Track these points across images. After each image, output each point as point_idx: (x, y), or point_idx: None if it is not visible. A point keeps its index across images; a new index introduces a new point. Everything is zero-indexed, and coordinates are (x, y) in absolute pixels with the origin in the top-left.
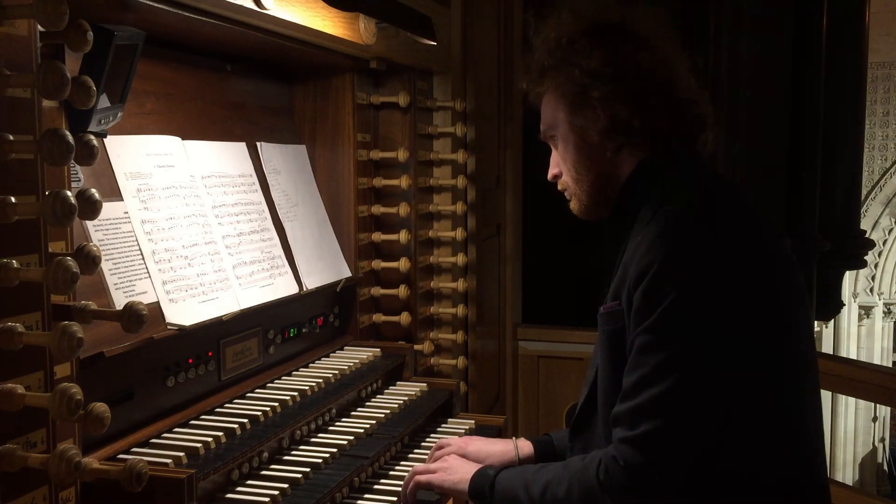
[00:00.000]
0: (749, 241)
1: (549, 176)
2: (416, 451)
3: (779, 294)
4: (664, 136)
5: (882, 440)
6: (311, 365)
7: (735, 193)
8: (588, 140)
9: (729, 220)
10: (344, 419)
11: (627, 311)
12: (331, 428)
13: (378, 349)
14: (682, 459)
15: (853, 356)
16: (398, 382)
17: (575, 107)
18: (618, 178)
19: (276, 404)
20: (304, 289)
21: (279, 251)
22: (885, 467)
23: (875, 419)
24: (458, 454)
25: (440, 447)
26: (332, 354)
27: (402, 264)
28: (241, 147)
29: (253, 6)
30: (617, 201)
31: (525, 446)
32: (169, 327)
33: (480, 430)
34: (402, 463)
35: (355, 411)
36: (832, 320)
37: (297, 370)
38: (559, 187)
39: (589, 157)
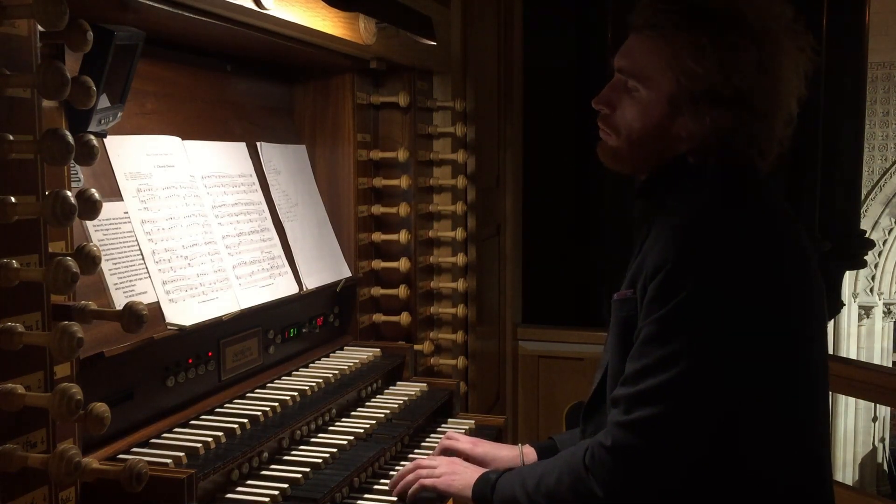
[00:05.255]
0: (772, 244)
1: (596, 105)
2: (416, 451)
3: (797, 300)
4: (743, 154)
5: (882, 440)
6: (311, 365)
7: (764, 195)
8: (673, 131)
9: (753, 222)
10: (344, 419)
11: (641, 300)
12: (331, 428)
13: (378, 349)
14: (672, 451)
15: (853, 356)
16: (398, 382)
17: (693, 103)
18: (670, 158)
19: (276, 404)
20: (304, 289)
21: (279, 251)
22: (885, 467)
23: (875, 419)
24: (468, 453)
25: (450, 438)
26: (332, 354)
27: (402, 264)
28: (241, 147)
29: (253, 6)
30: (649, 180)
31: (530, 452)
32: (169, 327)
33: (480, 430)
34: (402, 463)
35: (355, 411)
36: (832, 320)
37: (297, 370)
38: (599, 121)
39: (660, 137)
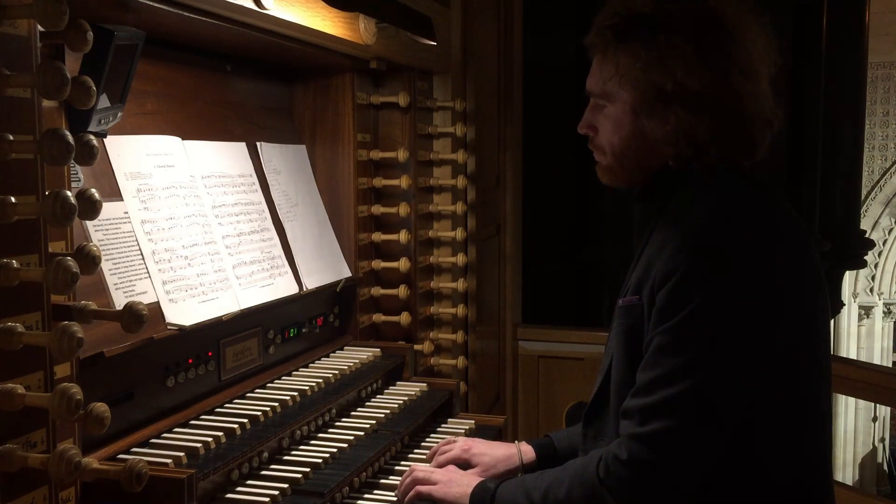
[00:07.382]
0: (778, 249)
1: (581, 130)
2: (416, 450)
3: (804, 303)
4: (723, 149)
5: (882, 440)
6: (311, 365)
7: (768, 199)
8: (648, 136)
9: (760, 228)
10: (344, 419)
11: (648, 308)
12: (331, 428)
13: (378, 349)
14: (688, 462)
15: (853, 356)
16: (398, 382)
17: (649, 106)
18: (658, 165)
19: (276, 404)
20: (304, 289)
21: (279, 251)
22: (885, 467)
23: (875, 419)
24: (462, 456)
25: (446, 443)
26: (332, 354)
27: (402, 264)
28: (241, 147)
29: (253, 6)
30: (648, 183)
31: (528, 450)
32: (169, 327)
33: (480, 430)
34: (403, 463)
35: (355, 411)
36: (832, 320)
37: (297, 370)
38: (590, 145)
39: (640, 145)
